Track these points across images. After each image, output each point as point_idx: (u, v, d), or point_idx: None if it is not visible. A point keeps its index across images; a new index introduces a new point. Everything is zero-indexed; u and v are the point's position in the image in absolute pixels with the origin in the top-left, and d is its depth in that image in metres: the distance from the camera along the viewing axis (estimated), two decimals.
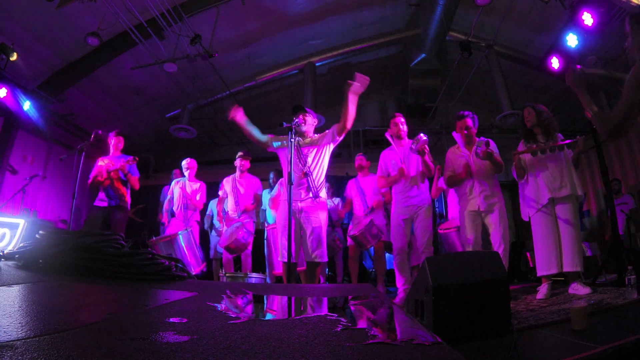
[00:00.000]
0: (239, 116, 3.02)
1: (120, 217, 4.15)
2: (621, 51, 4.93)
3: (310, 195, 2.91)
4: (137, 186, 4.29)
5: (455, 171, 3.37)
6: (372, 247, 4.17)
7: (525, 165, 3.12)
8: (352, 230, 4.02)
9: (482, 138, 3.15)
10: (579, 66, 1.96)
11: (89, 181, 4.14)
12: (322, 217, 2.95)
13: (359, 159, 4.55)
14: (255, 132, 3.11)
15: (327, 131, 3.09)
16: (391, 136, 3.60)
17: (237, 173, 4.58)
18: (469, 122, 3.36)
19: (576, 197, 2.94)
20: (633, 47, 1.74)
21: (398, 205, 3.50)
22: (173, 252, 3.88)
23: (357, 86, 2.80)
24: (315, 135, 3.13)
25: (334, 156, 4.62)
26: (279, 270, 3.77)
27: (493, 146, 3.17)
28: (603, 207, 6.32)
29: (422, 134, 3.21)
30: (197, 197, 4.71)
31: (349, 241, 4.20)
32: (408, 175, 3.43)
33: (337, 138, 3.03)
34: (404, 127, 3.57)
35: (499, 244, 3.14)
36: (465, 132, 3.35)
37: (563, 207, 2.94)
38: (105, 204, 4.09)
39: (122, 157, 4.28)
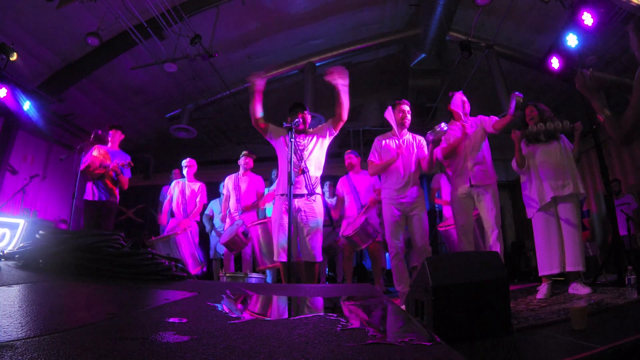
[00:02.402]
0: (260, 83, 2.94)
1: (110, 213, 4.18)
2: (622, 51, 4.94)
3: (306, 192, 2.90)
4: (125, 187, 4.31)
5: (450, 141, 3.25)
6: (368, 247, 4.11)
7: (526, 158, 3.08)
8: (346, 229, 3.93)
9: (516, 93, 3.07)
10: (587, 71, 1.94)
11: (81, 167, 4.10)
12: (320, 217, 2.95)
13: (349, 157, 4.45)
14: (259, 109, 3.03)
15: (322, 125, 3.08)
16: (397, 123, 3.32)
17: (241, 171, 4.58)
18: (463, 97, 3.35)
19: (578, 195, 2.94)
20: (638, 48, 1.73)
21: (391, 200, 3.20)
22: (171, 252, 3.88)
23: (340, 75, 2.82)
24: (311, 130, 3.11)
25: (334, 156, 4.60)
26: (264, 265, 3.74)
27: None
28: (603, 207, 6.32)
29: (443, 123, 2.99)
30: (197, 199, 4.71)
31: (343, 241, 4.08)
32: (405, 167, 3.20)
33: (333, 131, 3.01)
34: (409, 117, 3.32)
35: (492, 229, 3.02)
36: (461, 102, 3.31)
37: (565, 206, 2.93)
38: (95, 197, 4.11)
39: (119, 153, 4.28)
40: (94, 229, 3.97)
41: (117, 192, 4.26)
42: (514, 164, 3.15)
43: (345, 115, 2.92)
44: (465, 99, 3.37)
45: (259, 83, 2.95)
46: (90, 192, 4.14)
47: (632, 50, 1.76)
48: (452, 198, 3.29)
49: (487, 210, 3.09)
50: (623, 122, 1.77)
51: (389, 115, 3.37)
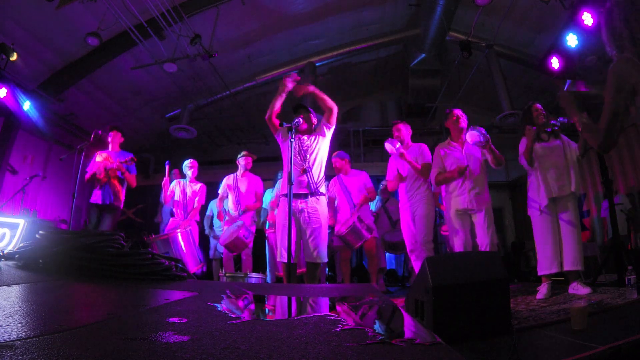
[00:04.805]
0: (290, 86, 2.98)
1: (112, 217, 4.16)
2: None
3: (309, 191, 2.89)
4: (134, 184, 4.30)
5: (446, 169, 3.28)
6: (364, 246, 4.12)
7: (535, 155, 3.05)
8: (340, 228, 3.95)
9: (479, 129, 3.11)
10: (564, 90, 1.94)
11: (87, 176, 4.14)
12: (323, 217, 2.93)
13: (334, 161, 4.39)
14: (279, 107, 3.03)
15: (319, 124, 3.09)
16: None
17: (240, 171, 4.57)
18: (459, 112, 3.38)
19: (576, 195, 2.94)
20: (607, 42, 1.70)
21: (402, 204, 3.64)
22: (171, 250, 3.87)
23: (306, 84, 2.97)
24: (314, 130, 3.12)
25: (333, 156, 4.58)
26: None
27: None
28: (603, 208, 6.31)
29: (388, 142, 3.57)
30: (195, 200, 4.71)
31: (338, 242, 4.10)
32: (410, 174, 3.59)
33: (329, 125, 3.01)
34: (400, 134, 3.75)
35: (485, 248, 3.09)
36: (454, 118, 3.33)
37: (564, 206, 2.92)
38: (99, 201, 4.11)
39: (121, 154, 4.27)
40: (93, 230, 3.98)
41: (123, 194, 4.25)
42: (522, 160, 3.09)
43: (331, 104, 2.96)
44: (461, 113, 3.39)
45: (290, 86, 2.97)
46: (95, 194, 4.14)
47: (603, 43, 1.73)
48: (448, 217, 3.31)
49: (482, 229, 3.15)
50: (599, 127, 1.72)
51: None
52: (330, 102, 2.95)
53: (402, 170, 3.65)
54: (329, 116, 2.99)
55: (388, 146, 3.61)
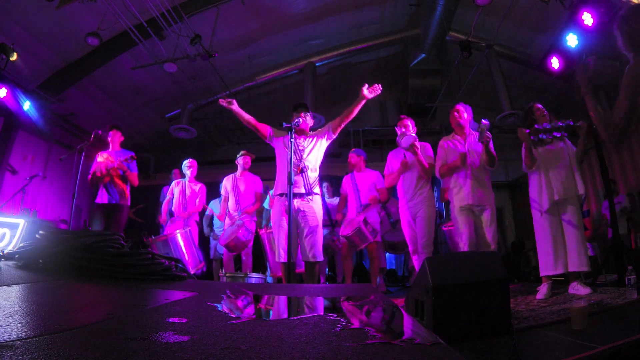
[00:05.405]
0: (234, 106, 3.03)
1: (120, 216, 4.13)
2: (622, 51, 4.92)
3: (304, 191, 2.91)
4: (136, 182, 4.27)
5: (449, 160, 3.27)
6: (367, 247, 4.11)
7: (535, 157, 3.02)
8: (345, 229, 3.95)
9: (483, 121, 3.04)
10: (590, 60, 1.92)
11: (89, 177, 4.13)
12: (319, 216, 2.97)
13: (349, 157, 4.42)
14: (253, 120, 3.12)
15: (322, 128, 3.12)
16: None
17: (239, 171, 4.57)
18: (459, 107, 3.36)
19: (578, 196, 2.93)
20: (624, 47, 1.71)
21: (402, 205, 3.58)
22: (170, 251, 3.86)
23: (371, 93, 2.95)
24: (311, 132, 3.15)
25: (334, 156, 4.58)
26: (279, 272, 3.75)
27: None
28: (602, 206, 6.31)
29: (407, 133, 3.43)
30: (197, 201, 4.70)
31: (343, 240, 4.08)
32: (412, 175, 3.53)
33: (332, 135, 3.07)
34: (407, 130, 3.60)
35: (488, 247, 3.09)
36: (456, 113, 3.32)
37: (568, 207, 2.91)
38: (105, 201, 4.09)
39: (122, 152, 4.26)
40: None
41: (128, 193, 4.22)
42: (524, 167, 3.07)
43: (346, 123, 3.06)
44: (462, 108, 3.36)
45: (234, 105, 3.03)
46: (100, 195, 4.12)
47: (619, 50, 1.74)
48: (453, 211, 3.28)
49: (485, 228, 3.15)
50: (614, 121, 1.74)
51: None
52: (350, 120, 3.05)
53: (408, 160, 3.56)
54: (337, 128, 3.06)
55: (403, 138, 3.47)
